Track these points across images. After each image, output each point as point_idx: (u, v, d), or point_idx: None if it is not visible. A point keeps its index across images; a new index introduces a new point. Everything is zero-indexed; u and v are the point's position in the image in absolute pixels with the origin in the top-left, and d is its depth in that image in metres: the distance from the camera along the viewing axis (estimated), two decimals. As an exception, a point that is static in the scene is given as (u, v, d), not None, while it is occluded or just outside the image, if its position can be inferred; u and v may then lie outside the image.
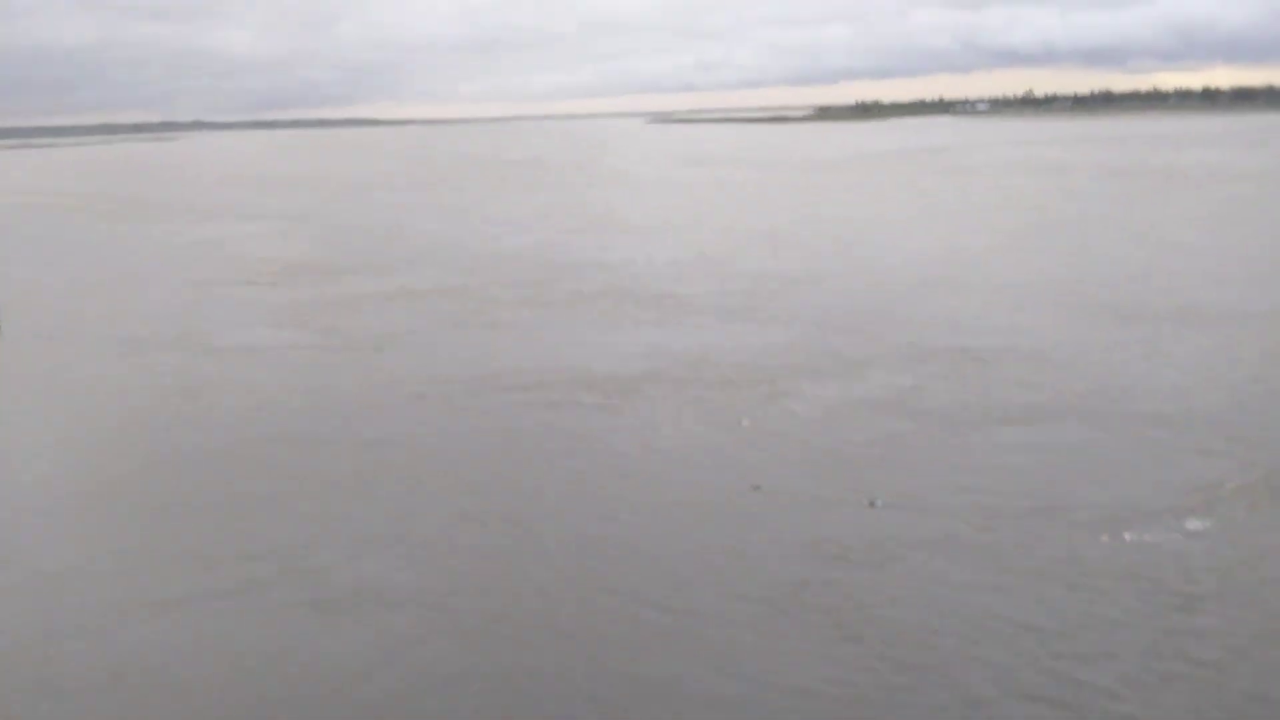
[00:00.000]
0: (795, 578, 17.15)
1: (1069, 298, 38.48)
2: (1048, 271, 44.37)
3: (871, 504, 20.51)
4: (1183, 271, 43.98)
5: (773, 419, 25.41)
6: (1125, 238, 54.32)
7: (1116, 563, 16.93)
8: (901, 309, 37.69)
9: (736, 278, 45.62)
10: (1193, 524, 18.26)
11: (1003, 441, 23.12)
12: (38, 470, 24.92)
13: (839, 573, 17.33)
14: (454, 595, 17.40)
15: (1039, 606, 15.64)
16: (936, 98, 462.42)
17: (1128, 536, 17.78)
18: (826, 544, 18.31)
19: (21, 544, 20.36)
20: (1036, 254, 49.96)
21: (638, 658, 15.08)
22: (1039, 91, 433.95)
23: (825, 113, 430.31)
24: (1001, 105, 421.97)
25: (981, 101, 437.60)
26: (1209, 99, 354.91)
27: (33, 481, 24.11)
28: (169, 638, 16.49)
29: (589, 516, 20.27)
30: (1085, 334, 32.90)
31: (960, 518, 18.98)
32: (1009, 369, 28.82)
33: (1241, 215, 63.16)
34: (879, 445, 23.13)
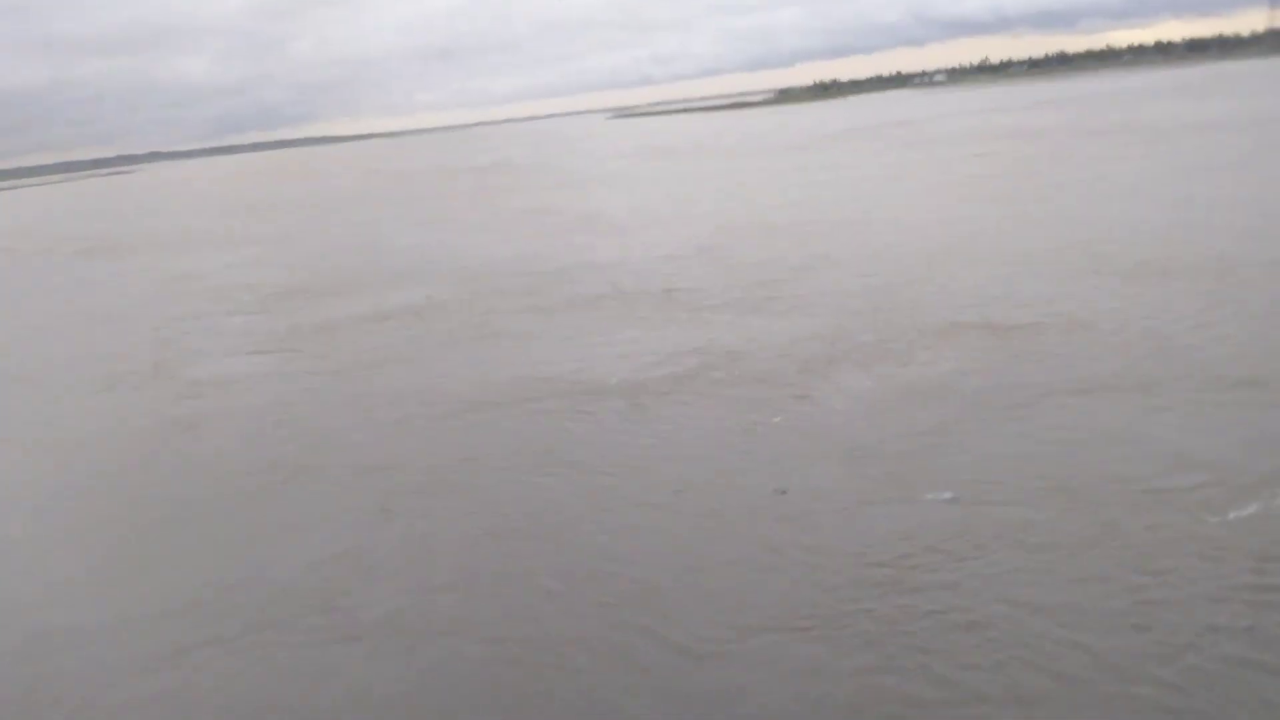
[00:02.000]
0: (819, 593, 15.80)
1: (1092, 261, 37.47)
2: (1059, 236, 43.33)
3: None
4: (1199, 225, 42.90)
5: (803, 416, 24.09)
6: (1124, 196, 53.54)
7: (1228, 545, 15.68)
8: (921, 288, 36.47)
9: (740, 269, 44.31)
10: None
11: (1066, 420, 21.79)
12: (18, 522, 23.35)
13: (882, 583, 15.84)
14: (483, 624, 16.08)
15: (1136, 601, 14.46)
16: (894, 72, 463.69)
17: (1232, 515, 16.56)
18: (869, 550, 16.97)
19: (14, 603, 18.92)
20: (1040, 220, 48.83)
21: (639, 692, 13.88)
22: (994, 58, 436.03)
23: (785, 95, 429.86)
24: (959, 75, 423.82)
25: (939, 72, 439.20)
26: (1163, 53, 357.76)
27: (15, 533, 22.56)
28: (185, 688, 15.23)
29: (608, 530, 19.00)
30: (1123, 297, 31.86)
31: (1030, 506, 17.76)
32: (1053, 340, 27.65)
33: (1230, 165, 62.53)
34: (926, 435, 21.86)
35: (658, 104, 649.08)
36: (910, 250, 44.06)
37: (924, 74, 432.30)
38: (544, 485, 21.65)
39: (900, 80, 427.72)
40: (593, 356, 31.70)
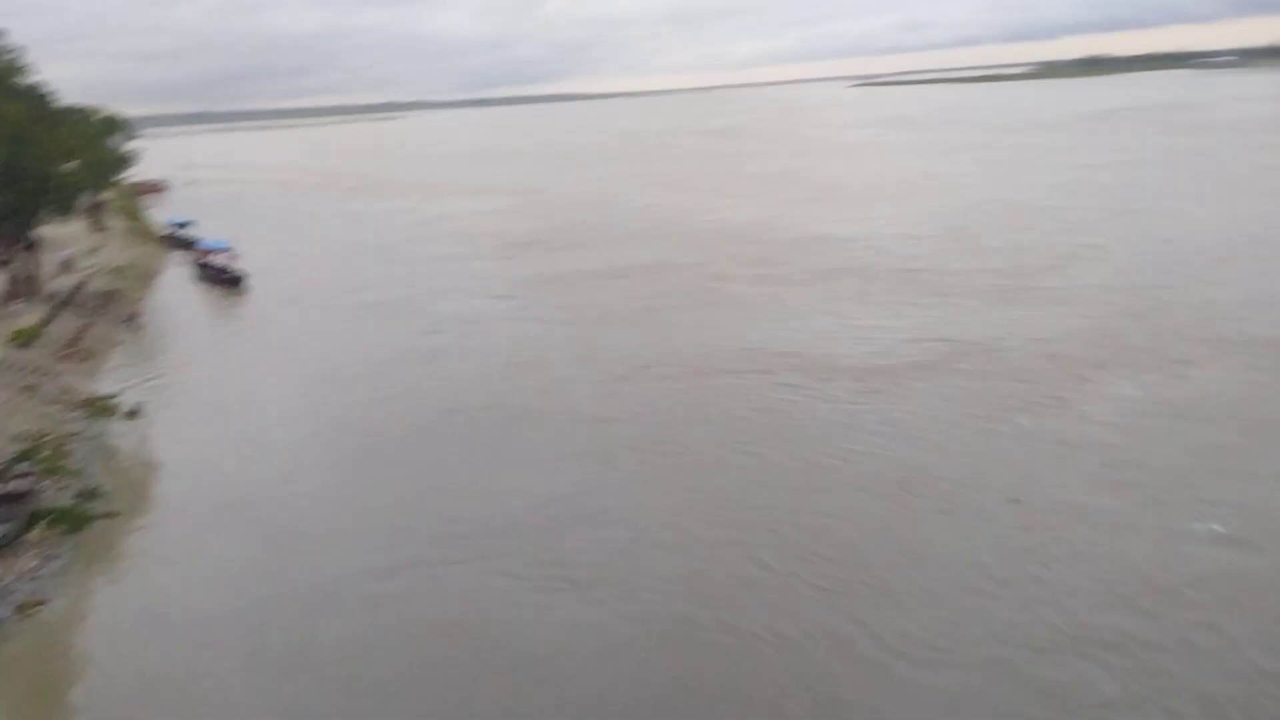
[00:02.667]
0: (1048, 622, 14.17)
1: None
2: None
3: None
4: None
5: (1054, 421, 22.13)
6: None
7: None
8: (1202, 291, 32.66)
9: (992, 252, 41.59)
10: None
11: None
12: (266, 432, 25.73)
13: (1122, 629, 13.90)
14: (687, 594, 16.06)
15: None
16: (1173, 50, 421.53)
17: None
18: (1113, 583, 15.09)
19: (256, 504, 20.81)
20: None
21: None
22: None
23: (1048, 69, 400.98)
24: (1252, 56, 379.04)
25: (1227, 53, 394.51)
26: None
27: (267, 441, 24.99)
28: (397, 604, 16.27)
29: (823, 515, 18.42)
30: None
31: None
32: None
33: None
34: (1198, 460, 19.45)
35: (905, 73, 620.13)
36: (1190, 247, 39.58)
37: (1208, 53, 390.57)
38: (761, 458, 21.23)
39: (1179, 59, 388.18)
40: (824, 334, 30.68)
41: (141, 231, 69.10)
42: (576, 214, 65.64)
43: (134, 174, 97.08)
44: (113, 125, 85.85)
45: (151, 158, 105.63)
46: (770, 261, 43.16)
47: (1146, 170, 67.99)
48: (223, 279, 48.27)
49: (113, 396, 28.99)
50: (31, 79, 43.21)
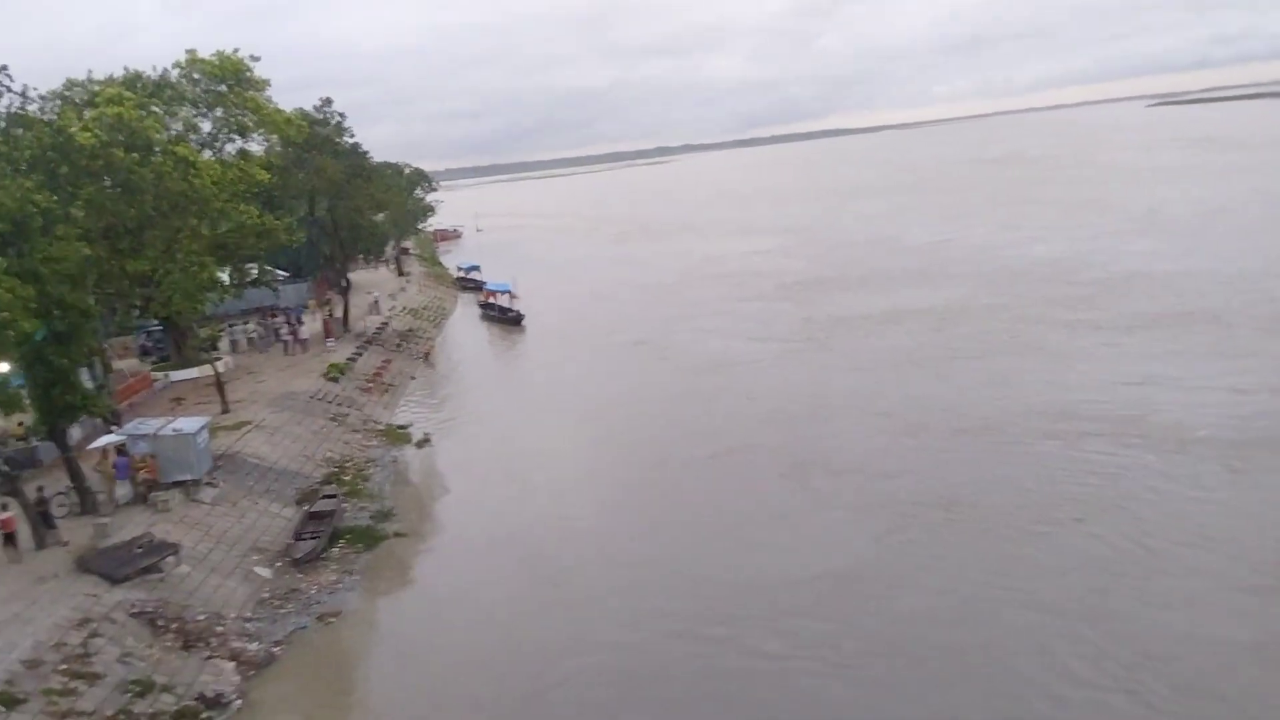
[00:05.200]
0: None
1: None
2: None
3: None
4: None
5: None
6: None
7: None
8: None
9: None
10: None
11: None
12: (543, 463, 26.64)
13: None
14: (989, 685, 13.47)
15: None
16: None
17: None
18: None
19: (534, 539, 21.06)
20: None
21: None
22: None
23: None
24: None
25: None
26: None
27: (541, 473, 25.80)
28: (637, 654, 15.01)
29: (1144, 620, 15.26)
30: None
31: None
32: None
33: None
34: None
35: (1212, 89, 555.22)
36: None
37: None
38: (1084, 535, 18.11)
39: None
40: (1169, 392, 26.19)
41: (437, 275, 74.50)
42: (852, 252, 63.02)
43: (433, 223, 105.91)
44: (418, 179, 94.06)
45: (448, 207, 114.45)
46: (1087, 304, 38.40)
47: None
48: (505, 318, 51.70)
49: (406, 426, 31.49)
50: (351, 140, 47.59)
